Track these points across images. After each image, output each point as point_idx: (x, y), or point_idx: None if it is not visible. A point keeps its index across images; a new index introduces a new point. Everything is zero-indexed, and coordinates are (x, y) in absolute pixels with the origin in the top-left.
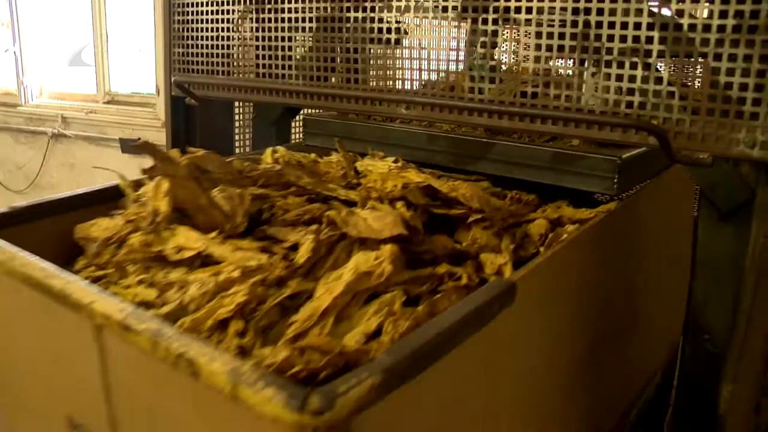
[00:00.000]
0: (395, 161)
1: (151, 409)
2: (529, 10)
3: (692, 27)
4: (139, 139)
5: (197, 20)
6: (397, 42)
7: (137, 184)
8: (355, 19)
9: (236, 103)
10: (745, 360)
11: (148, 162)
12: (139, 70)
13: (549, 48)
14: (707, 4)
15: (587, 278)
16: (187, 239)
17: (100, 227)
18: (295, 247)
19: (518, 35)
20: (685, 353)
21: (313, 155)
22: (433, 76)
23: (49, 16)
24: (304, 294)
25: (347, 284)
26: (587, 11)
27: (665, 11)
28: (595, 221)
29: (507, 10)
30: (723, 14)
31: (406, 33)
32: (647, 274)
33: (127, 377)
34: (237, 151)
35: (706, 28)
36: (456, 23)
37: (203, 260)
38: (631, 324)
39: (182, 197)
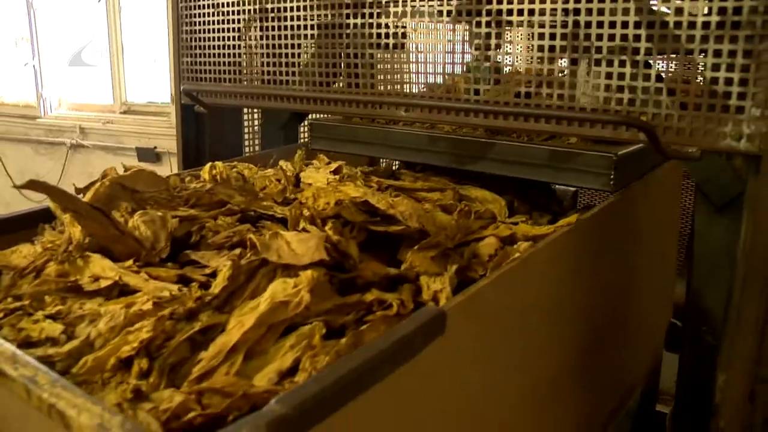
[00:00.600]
0: (335, 171)
1: None
2: (520, 12)
3: (678, 24)
4: (155, 147)
5: (204, 30)
6: (396, 46)
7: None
8: (355, 25)
9: (245, 110)
10: (737, 349)
11: (159, 169)
12: (154, 79)
13: (541, 48)
14: (692, 1)
15: (544, 296)
16: (102, 268)
17: (21, 254)
18: (215, 274)
19: (511, 37)
20: (684, 346)
21: (250, 168)
22: (432, 79)
23: (67, 30)
24: (218, 327)
25: (260, 316)
26: (577, 12)
27: (653, 7)
28: (551, 238)
29: (500, 12)
30: (707, 11)
31: (404, 37)
32: (620, 285)
33: (8, 424)
34: (245, 155)
35: (691, 25)
36: (452, 27)
37: (122, 289)
38: (605, 337)
39: (91, 230)
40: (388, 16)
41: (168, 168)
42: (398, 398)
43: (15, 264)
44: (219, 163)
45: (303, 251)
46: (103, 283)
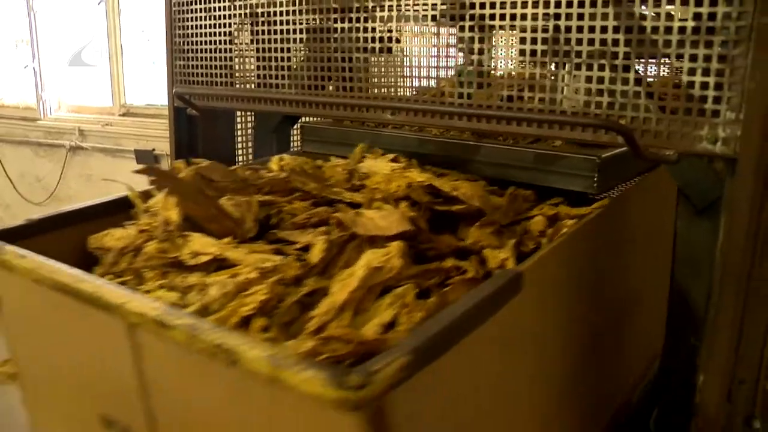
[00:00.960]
0: (394, 159)
1: (188, 401)
2: (503, 17)
3: (655, 29)
4: (153, 150)
5: (196, 33)
6: (383, 50)
7: (146, 195)
8: (343, 29)
9: (237, 113)
10: (716, 350)
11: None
12: (153, 82)
13: (523, 52)
14: (668, 6)
15: (590, 268)
16: (201, 245)
17: (114, 237)
18: (306, 249)
19: (495, 41)
20: (666, 347)
21: (319, 161)
22: (418, 83)
23: (67, 32)
24: (320, 291)
25: (361, 279)
26: (557, 16)
27: (631, 12)
28: (593, 215)
29: (483, 17)
30: (683, 17)
31: (390, 41)
32: (642, 265)
33: (163, 372)
34: (239, 158)
35: (668, 30)
36: (436, 31)
37: (218, 265)
38: (629, 312)
39: (191, 209)
40: (375, 21)
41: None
42: (489, 342)
43: (109, 245)
44: (286, 156)
45: (387, 225)
46: (203, 259)
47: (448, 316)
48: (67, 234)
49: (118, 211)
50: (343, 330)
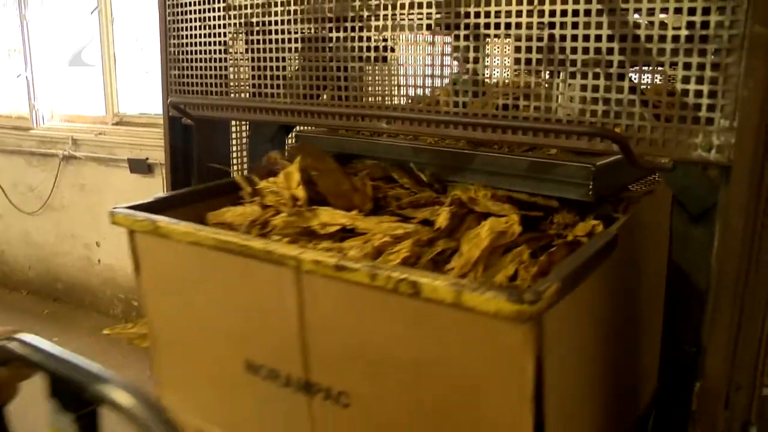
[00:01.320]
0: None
1: (353, 337)
2: (498, 26)
3: (649, 38)
4: (147, 159)
5: (191, 43)
6: (378, 59)
7: (249, 180)
8: (338, 38)
9: (232, 122)
10: (711, 357)
11: (151, 180)
12: (147, 90)
13: (518, 61)
14: (662, 15)
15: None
16: (331, 216)
17: (235, 213)
18: (424, 222)
19: (491, 50)
20: (663, 353)
21: None
22: (412, 92)
23: (60, 40)
24: (448, 251)
25: (490, 240)
26: (552, 25)
27: (625, 21)
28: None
29: (478, 26)
30: (677, 25)
31: (386, 51)
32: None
33: (328, 313)
34: (234, 167)
35: (662, 38)
36: (432, 40)
37: (341, 236)
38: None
39: (325, 185)
40: (370, 30)
41: (160, 179)
42: (602, 283)
43: (230, 221)
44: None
45: (499, 208)
46: (332, 228)
47: (579, 259)
48: (180, 212)
49: (223, 193)
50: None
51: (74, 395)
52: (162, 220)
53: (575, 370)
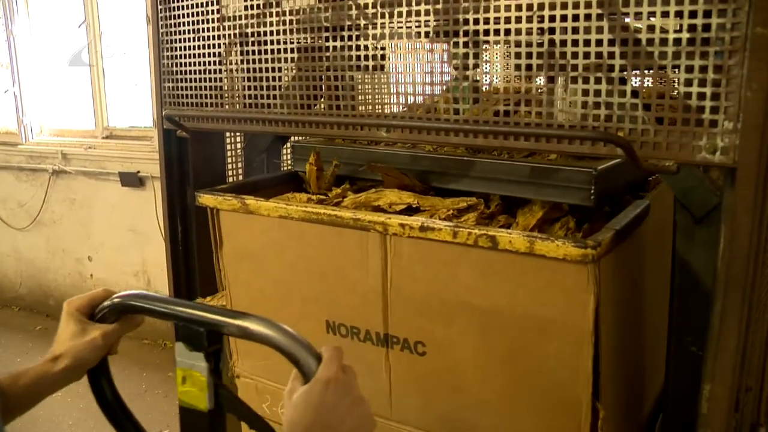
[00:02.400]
0: None
1: (432, 289)
2: (497, 32)
3: (650, 41)
4: (138, 172)
5: (185, 55)
6: (375, 68)
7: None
8: (334, 47)
9: (227, 133)
10: (721, 359)
11: (142, 193)
12: (136, 103)
13: (518, 67)
14: (663, 19)
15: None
16: (398, 196)
17: (301, 198)
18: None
19: (489, 56)
20: (669, 357)
21: None
22: (412, 99)
23: (47, 56)
24: (505, 224)
25: (543, 212)
26: (552, 30)
27: (626, 24)
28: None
29: (477, 32)
30: (678, 28)
31: (384, 59)
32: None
33: (411, 271)
34: (229, 179)
35: (663, 41)
36: (431, 47)
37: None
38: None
39: (391, 182)
40: (367, 39)
41: (152, 193)
42: (641, 242)
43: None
44: None
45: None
46: (399, 207)
47: (625, 219)
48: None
49: (279, 184)
50: None
51: (202, 336)
52: (249, 198)
53: (621, 314)
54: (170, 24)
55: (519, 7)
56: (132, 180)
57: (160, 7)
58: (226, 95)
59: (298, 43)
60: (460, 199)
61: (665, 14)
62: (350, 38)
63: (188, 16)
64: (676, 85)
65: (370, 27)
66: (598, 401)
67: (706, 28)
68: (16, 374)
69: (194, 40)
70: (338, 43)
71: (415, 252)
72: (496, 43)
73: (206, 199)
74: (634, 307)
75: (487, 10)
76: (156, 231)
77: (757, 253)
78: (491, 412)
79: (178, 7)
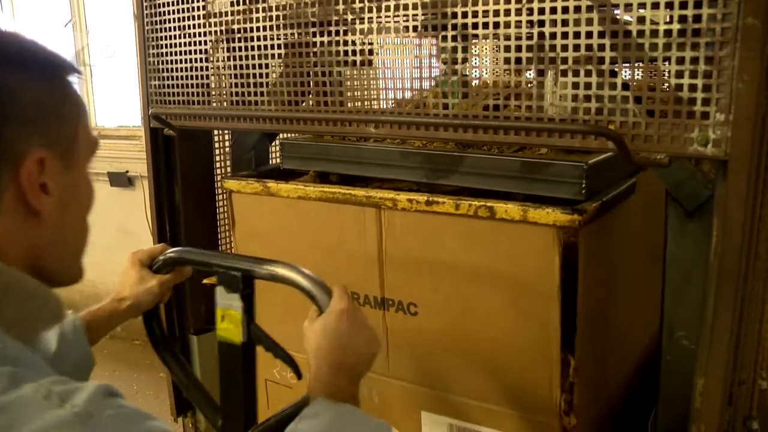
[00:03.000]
0: None
1: (427, 256)
2: (486, 26)
3: (640, 33)
4: (127, 172)
5: (172, 53)
6: (363, 63)
7: None
8: (322, 43)
9: (215, 131)
10: (714, 353)
11: (132, 193)
12: (124, 102)
13: (508, 61)
14: (653, 11)
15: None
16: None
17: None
18: None
19: (479, 50)
20: (662, 351)
21: None
22: (400, 95)
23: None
24: None
25: None
26: (541, 23)
27: (616, 17)
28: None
29: (465, 26)
30: (669, 19)
31: (371, 54)
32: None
33: (412, 241)
34: (218, 176)
35: (654, 33)
36: (419, 42)
37: None
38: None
39: None
40: (354, 34)
41: (141, 192)
42: (625, 218)
43: None
44: None
45: None
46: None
47: (611, 192)
48: None
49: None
50: None
51: (238, 280)
52: (270, 181)
53: (602, 278)
54: (156, 21)
55: (507, 0)
56: (121, 180)
57: (145, 4)
58: (214, 92)
59: (285, 39)
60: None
61: (655, 5)
62: (337, 33)
63: (174, 14)
64: (667, 78)
65: (357, 22)
66: (572, 355)
67: (697, 19)
68: (94, 310)
69: (180, 38)
70: (325, 39)
71: (421, 225)
72: (485, 37)
73: (230, 183)
74: (615, 274)
75: (475, 3)
76: (146, 231)
77: (749, 245)
78: (476, 369)
79: (164, 4)
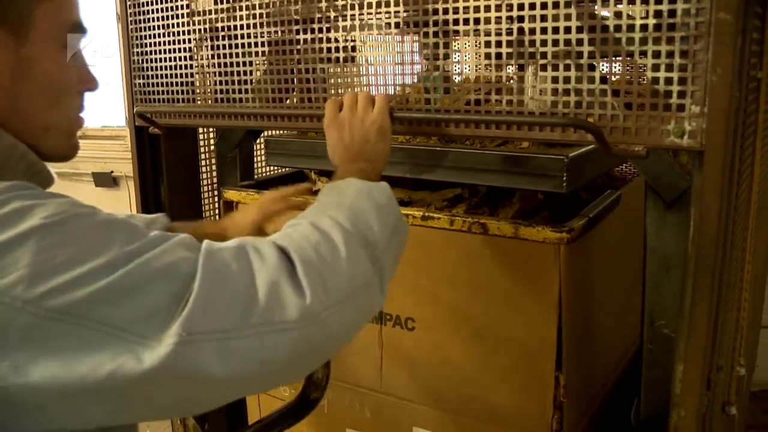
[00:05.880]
0: None
1: (424, 270)
2: (467, 21)
3: (617, 28)
4: (112, 172)
5: (155, 51)
6: (347, 60)
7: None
8: (305, 40)
9: (200, 129)
10: (692, 340)
11: (117, 194)
12: (108, 102)
13: (488, 56)
14: (630, 6)
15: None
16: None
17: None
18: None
19: (459, 46)
20: (643, 339)
21: None
22: (383, 90)
23: None
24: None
25: (521, 204)
26: (521, 19)
27: (594, 12)
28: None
29: (446, 22)
30: (644, 14)
31: (354, 51)
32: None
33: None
34: (203, 175)
35: (630, 28)
36: (401, 38)
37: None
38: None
39: None
40: (337, 31)
41: (126, 192)
42: (609, 231)
43: None
44: None
45: None
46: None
47: (596, 207)
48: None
49: (286, 182)
50: None
51: None
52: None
53: (587, 298)
54: (140, 20)
55: None
56: (106, 180)
57: (129, 3)
58: (198, 90)
59: (268, 36)
60: (447, 190)
61: (632, 1)
62: (320, 31)
63: (158, 12)
64: (644, 71)
65: (340, 19)
66: (560, 372)
67: (672, 13)
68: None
69: (164, 36)
70: (309, 36)
71: (416, 239)
72: (466, 33)
73: (231, 194)
74: (600, 287)
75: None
76: None
77: (725, 234)
78: (470, 383)
79: (148, 2)
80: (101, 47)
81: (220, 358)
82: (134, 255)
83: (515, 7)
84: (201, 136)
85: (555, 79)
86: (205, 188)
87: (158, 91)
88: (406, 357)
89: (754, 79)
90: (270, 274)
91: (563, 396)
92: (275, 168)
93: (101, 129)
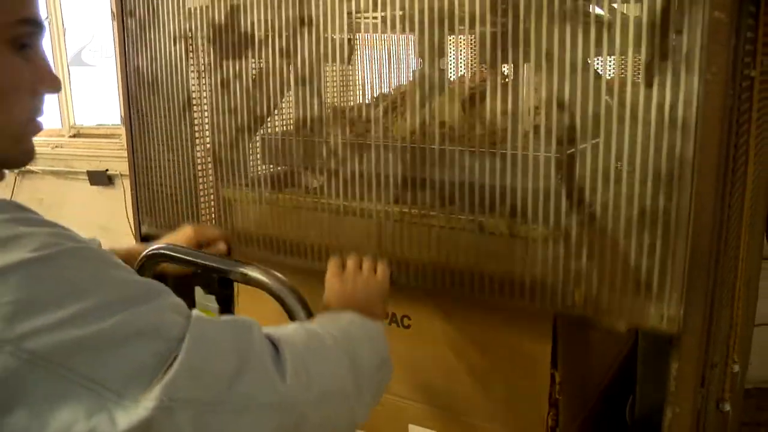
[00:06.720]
0: None
1: (419, 268)
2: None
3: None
4: (107, 170)
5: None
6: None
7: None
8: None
9: (195, 126)
10: (687, 338)
11: (112, 192)
12: (104, 101)
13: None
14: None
15: None
16: None
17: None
18: None
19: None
20: (639, 337)
21: None
22: (378, 91)
23: None
24: None
25: None
26: None
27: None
28: None
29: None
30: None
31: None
32: None
33: (405, 254)
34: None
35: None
36: (396, 39)
37: None
38: None
39: None
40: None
41: (121, 191)
42: None
43: None
44: None
45: None
46: None
47: None
48: None
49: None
50: None
51: (215, 282)
52: (265, 192)
53: None
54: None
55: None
56: (101, 178)
57: (124, 1)
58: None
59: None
60: None
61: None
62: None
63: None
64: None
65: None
66: (555, 369)
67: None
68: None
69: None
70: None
71: (414, 237)
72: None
73: (229, 193)
74: None
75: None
76: (127, 229)
77: (720, 232)
78: (466, 381)
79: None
80: (100, 47)
81: (195, 431)
82: (125, 305)
83: None
84: (197, 135)
85: None
86: (202, 187)
87: None
88: (401, 355)
89: (747, 78)
90: (257, 353)
91: (559, 393)
92: (272, 166)
93: (96, 127)
